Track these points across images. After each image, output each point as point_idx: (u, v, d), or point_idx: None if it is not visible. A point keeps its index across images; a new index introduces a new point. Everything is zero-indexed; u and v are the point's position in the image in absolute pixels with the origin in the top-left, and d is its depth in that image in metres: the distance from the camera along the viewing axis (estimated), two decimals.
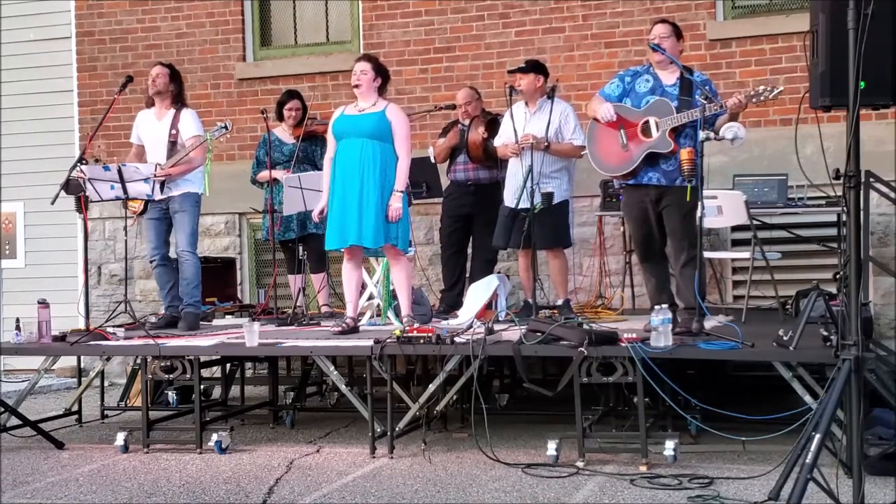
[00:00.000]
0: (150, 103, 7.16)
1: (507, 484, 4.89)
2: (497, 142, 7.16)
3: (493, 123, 7.36)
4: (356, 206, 6.13)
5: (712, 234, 7.58)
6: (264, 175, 7.72)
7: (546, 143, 6.75)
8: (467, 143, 7.42)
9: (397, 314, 6.62)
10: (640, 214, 5.94)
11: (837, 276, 4.49)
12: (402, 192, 6.22)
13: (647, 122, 5.77)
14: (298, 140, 7.64)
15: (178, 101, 7.09)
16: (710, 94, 5.64)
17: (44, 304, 6.58)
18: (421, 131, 8.23)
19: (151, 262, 7.19)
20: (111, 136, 8.94)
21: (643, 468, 5.03)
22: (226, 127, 6.91)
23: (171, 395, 6.95)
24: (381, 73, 6.36)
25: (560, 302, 6.99)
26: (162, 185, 6.80)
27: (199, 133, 6.98)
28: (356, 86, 6.27)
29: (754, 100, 5.63)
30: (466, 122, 7.55)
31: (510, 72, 7.12)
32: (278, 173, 7.61)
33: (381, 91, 6.37)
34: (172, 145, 6.96)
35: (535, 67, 7.01)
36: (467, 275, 7.51)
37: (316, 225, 7.60)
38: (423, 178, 7.36)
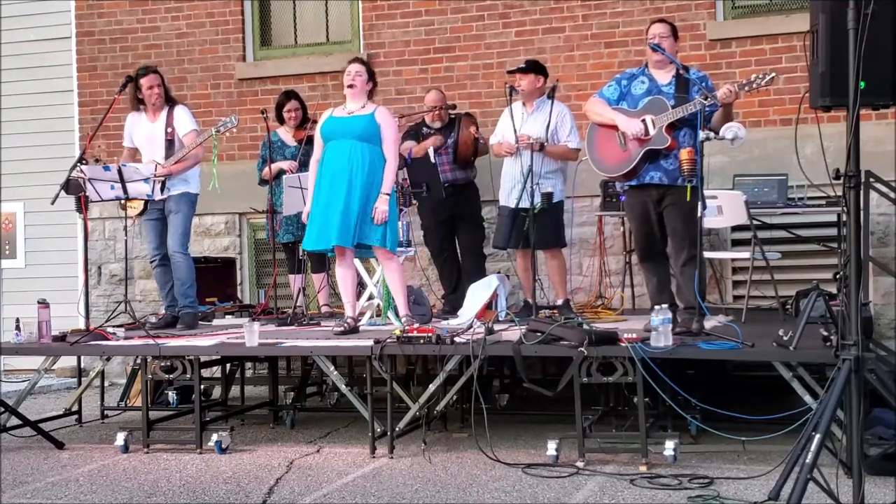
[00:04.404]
0: (137, 106, 7.15)
1: (507, 484, 4.89)
2: (493, 139, 7.18)
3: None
4: (342, 206, 6.14)
5: (712, 234, 7.58)
6: (267, 171, 7.71)
7: (540, 144, 6.74)
8: (458, 141, 7.42)
9: (397, 314, 6.61)
10: (641, 213, 5.94)
11: (837, 276, 4.48)
12: (388, 194, 6.23)
13: (643, 121, 5.77)
14: (301, 144, 7.64)
15: (169, 101, 7.13)
16: (706, 90, 5.63)
17: (44, 304, 6.58)
18: None
19: (152, 262, 7.23)
20: (111, 136, 8.93)
21: (643, 468, 5.03)
22: (232, 121, 6.95)
23: (171, 395, 6.94)
24: (373, 77, 6.46)
25: (560, 302, 6.99)
26: (163, 184, 6.81)
27: (195, 128, 7.05)
28: (351, 86, 6.30)
29: (747, 88, 5.61)
30: (435, 125, 7.55)
31: (510, 72, 7.12)
32: (284, 164, 7.62)
33: (371, 95, 6.42)
34: (170, 143, 6.99)
35: (536, 68, 7.03)
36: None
37: None
38: (423, 178, 7.35)
